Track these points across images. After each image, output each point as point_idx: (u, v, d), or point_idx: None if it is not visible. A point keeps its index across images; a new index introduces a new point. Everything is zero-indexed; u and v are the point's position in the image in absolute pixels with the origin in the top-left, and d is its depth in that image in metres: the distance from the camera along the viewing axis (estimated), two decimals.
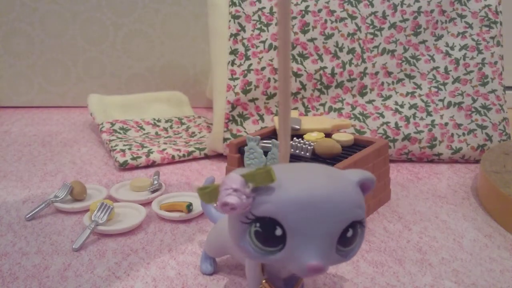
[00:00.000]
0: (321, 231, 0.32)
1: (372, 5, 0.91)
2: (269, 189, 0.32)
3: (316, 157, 0.63)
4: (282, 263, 0.33)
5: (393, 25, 0.90)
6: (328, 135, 0.72)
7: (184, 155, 0.86)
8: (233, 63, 0.85)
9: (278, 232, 0.32)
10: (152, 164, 0.83)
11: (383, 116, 0.86)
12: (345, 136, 0.68)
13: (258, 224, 0.33)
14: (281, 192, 0.32)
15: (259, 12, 0.87)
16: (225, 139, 0.84)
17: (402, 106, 0.88)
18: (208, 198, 0.33)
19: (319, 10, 0.89)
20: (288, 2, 0.34)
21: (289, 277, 0.42)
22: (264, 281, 0.41)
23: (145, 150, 0.85)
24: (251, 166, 0.66)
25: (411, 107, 0.87)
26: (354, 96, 0.89)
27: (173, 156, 0.85)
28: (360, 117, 0.86)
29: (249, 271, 0.42)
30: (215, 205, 0.33)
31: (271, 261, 0.33)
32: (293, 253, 0.32)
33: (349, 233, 0.33)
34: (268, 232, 0.32)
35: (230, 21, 0.86)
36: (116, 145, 0.86)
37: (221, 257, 0.52)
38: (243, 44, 0.86)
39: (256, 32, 0.86)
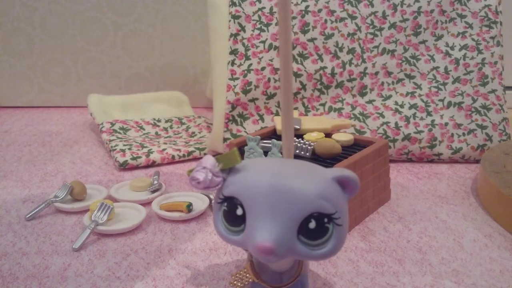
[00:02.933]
0: (276, 215, 0.33)
1: (372, 5, 0.91)
2: (237, 172, 0.36)
3: (316, 157, 0.63)
4: (243, 245, 0.36)
5: (393, 25, 0.90)
6: (328, 135, 0.72)
7: (184, 155, 0.86)
8: (233, 63, 0.85)
9: (239, 211, 0.35)
10: (152, 164, 0.83)
11: (383, 116, 0.86)
12: (345, 136, 0.68)
13: (226, 204, 0.36)
14: (245, 174, 0.36)
15: (259, 12, 0.87)
16: (225, 139, 0.84)
17: (402, 106, 0.88)
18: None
19: (319, 10, 0.89)
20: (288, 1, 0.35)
21: (287, 272, 0.42)
22: (249, 263, 0.43)
23: (145, 150, 0.85)
24: None
25: (411, 107, 0.87)
26: (354, 96, 0.89)
27: (173, 156, 0.85)
28: (360, 117, 0.86)
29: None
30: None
31: (236, 242, 0.36)
32: (250, 233, 0.34)
33: (312, 224, 0.33)
34: (232, 211, 0.36)
35: (230, 21, 0.86)
36: (116, 145, 0.86)
37: None
38: (243, 44, 0.86)
39: (256, 32, 0.86)
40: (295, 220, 0.33)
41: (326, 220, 0.34)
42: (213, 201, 0.38)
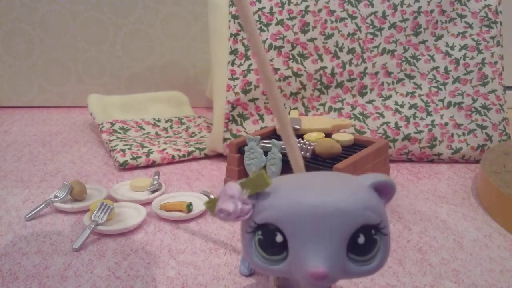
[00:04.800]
0: (323, 235, 0.31)
1: (372, 5, 0.91)
2: (268, 196, 0.32)
3: (316, 157, 0.63)
4: (288, 273, 0.32)
5: (393, 25, 0.90)
6: (328, 135, 0.72)
7: (184, 155, 0.86)
8: (233, 63, 0.85)
9: (279, 238, 0.32)
10: (152, 164, 0.83)
11: (383, 116, 0.86)
12: (345, 136, 0.68)
13: (260, 232, 0.32)
14: (279, 196, 0.32)
15: (259, 12, 0.87)
16: (225, 139, 0.84)
17: (402, 106, 0.88)
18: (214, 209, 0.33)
19: (319, 10, 0.89)
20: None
21: None
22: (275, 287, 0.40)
23: (145, 150, 0.85)
24: (251, 167, 0.66)
25: (411, 107, 0.87)
26: (354, 96, 0.89)
27: (173, 156, 0.85)
28: (360, 117, 0.86)
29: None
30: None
31: (278, 272, 0.33)
32: (296, 260, 0.31)
33: (361, 239, 0.31)
34: (270, 239, 0.32)
35: (230, 21, 0.86)
36: (116, 145, 0.86)
37: None
38: (243, 44, 0.86)
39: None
40: (343, 238, 0.31)
41: (373, 231, 0.32)
42: (241, 231, 0.35)
